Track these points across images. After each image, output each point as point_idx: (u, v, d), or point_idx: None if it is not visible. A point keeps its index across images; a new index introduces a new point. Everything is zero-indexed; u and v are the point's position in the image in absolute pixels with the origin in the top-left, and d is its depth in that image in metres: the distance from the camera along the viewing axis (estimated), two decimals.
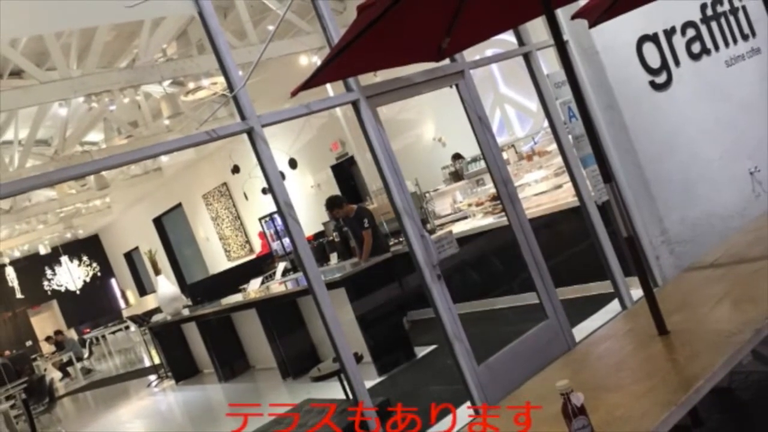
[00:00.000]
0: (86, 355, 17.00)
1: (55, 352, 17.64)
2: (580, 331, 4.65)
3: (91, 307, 21.58)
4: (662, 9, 4.59)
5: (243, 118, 3.52)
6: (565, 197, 5.79)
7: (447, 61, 4.23)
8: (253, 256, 14.41)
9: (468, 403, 3.98)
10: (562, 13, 4.50)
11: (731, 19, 5.61)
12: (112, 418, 9.62)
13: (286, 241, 12.45)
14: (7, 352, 17.41)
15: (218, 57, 3.57)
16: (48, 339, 18.78)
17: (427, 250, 3.91)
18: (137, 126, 11.54)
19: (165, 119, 10.80)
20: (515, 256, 4.50)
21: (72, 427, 10.05)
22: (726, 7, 5.59)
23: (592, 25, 4.01)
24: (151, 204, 18.63)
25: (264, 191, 12.32)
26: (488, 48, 6.73)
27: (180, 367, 9.90)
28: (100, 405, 11.41)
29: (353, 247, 7.96)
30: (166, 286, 9.77)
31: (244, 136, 3.54)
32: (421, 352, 6.25)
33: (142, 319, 12.62)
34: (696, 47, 5.29)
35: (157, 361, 11.12)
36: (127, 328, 17.83)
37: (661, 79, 5.04)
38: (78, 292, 18.86)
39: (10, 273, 18.24)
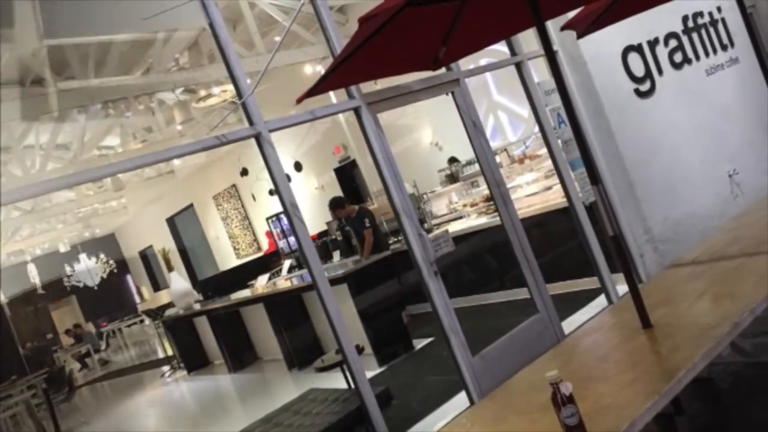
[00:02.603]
0: (103, 347, 17.03)
1: (74, 344, 17.65)
2: (569, 324, 4.65)
3: (107, 302, 21.59)
4: (646, 21, 4.60)
5: (251, 123, 3.51)
6: (555, 198, 5.78)
7: (443, 70, 4.24)
8: (260, 254, 14.40)
9: (463, 392, 3.98)
10: (552, 25, 4.50)
11: (711, 30, 5.62)
12: (129, 407, 9.62)
13: (292, 239, 12.45)
14: (28, 344, 17.41)
15: (228, 66, 3.56)
16: (67, 332, 18.78)
17: (425, 248, 3.91)
18: (151, 131, 11.52)
19: (177, 125, 10.79)
20: (508, 253, 4.50)
21: (91, 415, 10.05)
22: (706, 19, 5.60)
23: (580, 36, 4.01)
24: (164, 205, 18.63)
25: (271, 192, 12.31)
26: (482, 58, 6.74)
27: (192, 358, 9.90)
28: (117, 394, 11.40)
29: (355, 245, 7.96)
30: (178, 282, 9.76)
31: (252, 140, 3.54)
32: (419, 344, 6.25)
33: (155, 314, 12.63)
34: (678, 57, 5.29)
35: (170, 352, 11.12)
36: (141, 321, 17.86)
37: (646, 87, 5.04)
38: (95, 288, 18.87)
39: (32, 270, 18.23)
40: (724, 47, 5.67)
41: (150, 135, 11.53)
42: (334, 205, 7.34)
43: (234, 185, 15.38)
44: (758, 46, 3.93)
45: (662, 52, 5.20)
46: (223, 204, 16.30)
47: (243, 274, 10.93)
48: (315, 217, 11.43)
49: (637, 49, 5.05)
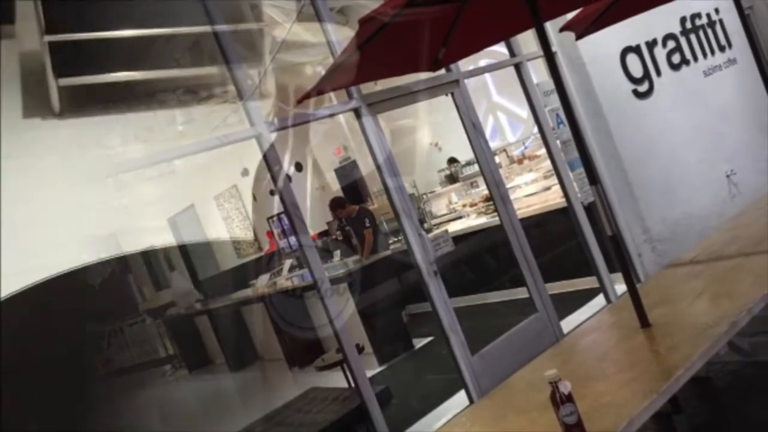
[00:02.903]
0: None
1: None
2: (568, 323, 4.65)
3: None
4: (644, 22, 4.59)
5: (252, 124, 3.52)
6: (554, 198, 5.79)
7: (443, 71, 4.24)
8: (261, 254, 14.38)
9: (462, 391, 3.98)
10: (551, 26, 4.50)
11: (709, 31, 5.62)
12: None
13: (293, 239, 12.44)
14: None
15: (228, 66, 3.56)
16: None
17: (425, 248, 3.91)
18: (153, 131, 11.52)
19: (179, 125, 10.79)
20: (507, 253, 4.50)
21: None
22: (704, 20, 5.60)
23: (578, 37, 4.01)
24: (165, 204, 18.60)
25: (271, 193, 12.30)
26: (482, 59, 6.72)
27: (193, 357, 9.90)
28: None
29: (355, 245, 7.96)
30: (179, 281, 9.77)
31: (254, 140, 3.54)
32: (419, 343, 6.25)
33: (157, 313, 12.63)
34: (676, 58, 5.30)
35: (171, 352, 11.12)
36: (143, 321, 17.82)
37: (644, 88, 5.04)
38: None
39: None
40: (722, 48, 5.68)
41: (151, 135, 11.51)
42: (335, 205, 7.34)
43: (235, 185, 15.37)
44: (756, 47, 3.94)
45: (660, 53, 5.20)
46: (225, 204, 16.29)
47: (244, 274, 10.93)
48: (315, 218, 11.42)
49: (636, 50, 5.05)
